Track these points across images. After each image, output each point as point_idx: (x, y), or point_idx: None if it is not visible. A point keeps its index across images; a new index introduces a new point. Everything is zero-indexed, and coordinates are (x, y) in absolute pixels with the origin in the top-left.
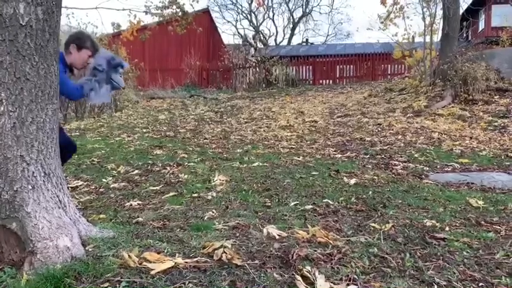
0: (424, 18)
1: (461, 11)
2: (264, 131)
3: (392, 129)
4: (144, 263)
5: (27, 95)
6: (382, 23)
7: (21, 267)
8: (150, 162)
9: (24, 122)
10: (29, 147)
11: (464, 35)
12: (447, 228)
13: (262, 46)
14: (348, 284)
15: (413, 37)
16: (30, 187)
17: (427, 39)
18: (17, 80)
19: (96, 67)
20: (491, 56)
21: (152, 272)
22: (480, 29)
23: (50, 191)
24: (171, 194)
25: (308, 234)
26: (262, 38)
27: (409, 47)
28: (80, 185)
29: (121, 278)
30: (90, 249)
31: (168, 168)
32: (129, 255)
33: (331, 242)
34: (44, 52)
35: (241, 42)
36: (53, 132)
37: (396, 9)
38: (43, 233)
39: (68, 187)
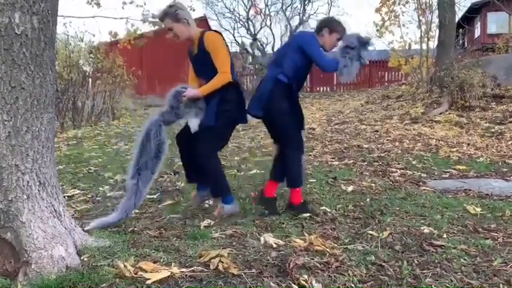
0: (420, 26)
1: (457, 19)
2: (261, 138)
3: (390, 136)
4: (140, 273)
5: (22, 104)
6: (377, 30)
7: (16, 277)
8: None
9: (19, 131)
10: (24, 156)
11: (461, 42)
12: (445, 236)
13: (259, 54)
14: None
15: (409, 44)
16: (25, 197)
17: (424, 46)
18: (12, 89)
19: (349, 45)
20: (487, 63)
21: (148, 282)
22: (476, 36)
23: (45, 201)
24: (168, 202)
25: (305, 242)
26: (259, 45)
27: (405, 54)
28: (77, 194)
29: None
30: (85, 259)
31: (165, 176)
32: (124, 265)
33: (329, 250)
34: (39, 61)
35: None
36: (48, 141)
37: (391, 17)
38: (38, 242)
39: (64, 196)
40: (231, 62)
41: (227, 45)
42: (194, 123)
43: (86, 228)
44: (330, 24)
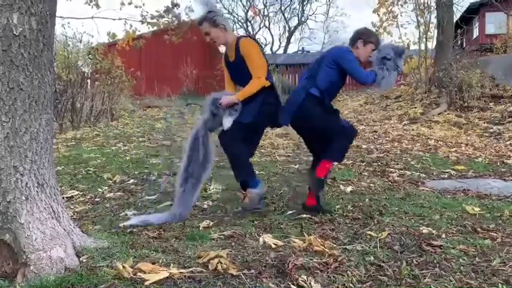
0: (418, 26)
1: (455, 19)
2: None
3: (389, 137)
4: (139, 274)
5: (20, 105)
6: (376, 31)
7: (15, 279)
8: (146, 171)
9: (18, 133)
10: (22, 157)
11: (459, 42)
12: (443, 236)
13: None
14: None
15: (408, 45)
16: (23, 198)
17: (422, 47)
18: (10, 90)
19: (386, 56)
20: (485, 63)
21: (146, 283)
22: (474, 36)
23: (43, 202)
24: (167, 203)
25: (304, 243)
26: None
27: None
28: (76, 195)
29: None
30: (84, 260)
31: (164, 177)
32: (123, 266)
33: (328, 250)
34: (38, 62)
35: None
36: (47, 142)
37: (389, 17)
38: (36, 244)
39: (63, 197)
40: (267, 66)
41: (262, 51)
42: (228, 122)
43: (125, 224)
44: (364, 36)
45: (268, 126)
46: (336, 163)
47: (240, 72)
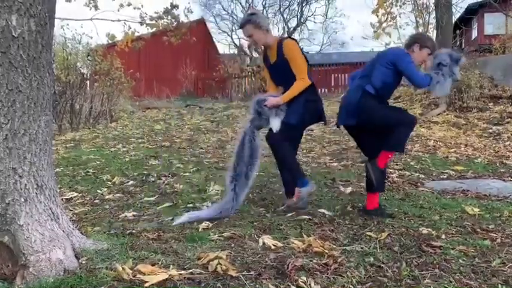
0: (417, 27)
1: (454, 20)
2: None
3: None
4: (138, 276)
5: (19, 106)
6: (375, 32)
7: (14, 281)
8: (145, 172)
9: (17, 134)
10: (21, 159)
11: (458, 43)
12: (443, 236)
13: (257, 55)
14: None
15: None
16: (22, 200)
17: None
18: (9, 91)
19: (442, 62)
20: (484, 64)
21: (146, 285)
22: (473, 37)
23: (42, 204)
24: (166, 204)
25: (304, 244)
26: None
27: None
28: (75, 197)
29: None
30: (83, 262)
31: (164, 178)
32: (122, 268)
33: (327, 251)
34: (36, 64)
35: (236, 52)
36: (46, 144)
37: (388, 18)
38: (35, 246)
39: (62, 199)
40: (307, 65)
41: (303, 52)
42: (276, 123)
43: (176, 222)
44: (420, 41)
45: (312, 123)
46: (396, 153)
47: (281, 73)
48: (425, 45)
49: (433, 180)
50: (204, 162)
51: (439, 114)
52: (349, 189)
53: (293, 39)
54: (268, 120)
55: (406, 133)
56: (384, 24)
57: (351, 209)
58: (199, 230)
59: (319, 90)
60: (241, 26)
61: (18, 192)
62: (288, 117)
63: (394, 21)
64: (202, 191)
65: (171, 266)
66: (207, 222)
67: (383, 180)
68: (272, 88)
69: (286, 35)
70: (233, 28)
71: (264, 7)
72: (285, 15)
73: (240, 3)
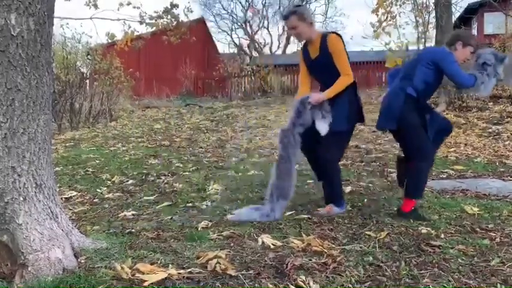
0: (417, 27)
1: (453, 19)
2: (259, 139)
3: (387, 137)
4: (137, 275)
5: (18, 105)
6: (374, 31)
7: (12, 280)
8: (144, 171)
9: (16, 133)
10: (20, 158)
11: None
12: (442, 236)
13: (257, 55)
14: None
15: (407, 45)
16: (21, 198)
17: (421, 47)
18: (8, 90)
19: (486, 62)
20: None
21: (145, 284)
22: None
23: (41, 202)
24: (166, 203)
25: (303, 243)
26: (257, 46)
27: (402, 55)
28: (74, 196)
29: None
30: (82, 261)
31: (163, 177)
32: (121, 267)
33: (326, 250)
34: (35, 63)
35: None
36: (45, 143)
37: (388, 17)
38: (34, 245)
39: (61, 198)
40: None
41: (345, 47)
42: (323, 127)
43: (230, 217)
44: (464, 38)
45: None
46: (416, 200)
47: (322, 69)
48: (469, 43)
49: (433, 179)
50: (203, 161)
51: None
52: (348, 189)
53: (337, 34)
54: (306, 120)
55: (424, 177)
56: (384, 24)
57: (350, 208)
58: (199, 229)
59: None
60: (286, 17)
61: (17, 191)
62: (337, 125)
63: (394, 20)
64: (201, 190)
65: (170, 265)
66: (207, 221)
67: (419, 214)
68: (305, 88)
69: (330, 30)
70: (233, 27)
71: (264, 6)
72: None
73: (240, 3)
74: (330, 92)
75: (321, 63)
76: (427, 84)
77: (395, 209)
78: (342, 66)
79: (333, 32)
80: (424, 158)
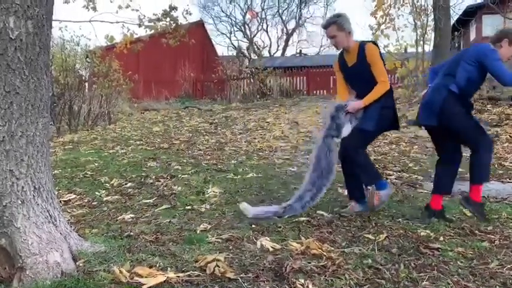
0: (415, 29)
1: (452, 22)
2: (258, 141)
3: (387, 139)
4: (136, 278)
5: (17, 108)
6: (373, 34)
7: (10, 283)
8: (143, 174)
9: (14, 136)
10: (18, 161)
11: (456, 44)
12: (441, 238)
13: (256, 57)
14: None
15: (405, 48)
16: (19, 202)
17: (419, 49)
18: (6, 93)
19: None
20: None
21: (144, 287)
22: (471, 38)
23: (40, 206)
24: (164, 206)
25: (302, 246)
26: (256, 49)
27: (401, 57)
28: (73, 199)
29: None
30: (81, 264)
31: (162, 180)
32: (120, 270)
33: (325, 253)
34: (34, 66)
35: (235, 54)
36: (43, 146)
37: (386, 20)
38: (33, 248)
39: (60, 201)
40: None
41: (381, 54)
42: (347, 129)
43: (250, 215)
44: (510, 35)
45: (386, 130)
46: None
47: (358, 76)
48: None
49: (432, 182)
50: (202, 164)
51: None
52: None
53: (375, 43)
54: (340, 127)
55: (488, 160)
56: (383, 26)
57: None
58: (198, 232)
59: (318, 91)
60: (326, 27)
61: (15, 194)
62: (364, 123)
63: (393, 23)
64: (200, 193)
65: (169, 268)
66: (205, 224)
67: (483, 211)
68: (343, 94)
69: (368, 40)
70: (232, 30)
71: (263, 9)
72: (283, 17)
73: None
74: (367, 100)
75: (357, 71)
76: (470, 81)
77: (424, 205)
78: (379, 74)
79: (370, 41)
80: (485, 145)
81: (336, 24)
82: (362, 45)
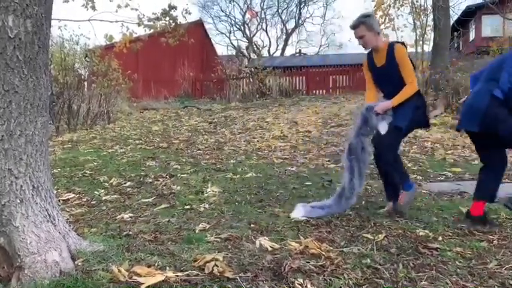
0: (415, 29)
1: (451, 22)
2: (257, 141)
3: None
4: (134, 277)
5: (15, 107)
6: None
7: (9, 282)
8: (142, 174)
9: (13, 135)
10: (17, 160)
11: (456, 45)
12: (440, 238)
13: (255, 57)
14: None
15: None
16: (18, 201)
17: (419, 49)
18: (5, 92)
19: None
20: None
21: (142, 286)
22: (471, 39)
23: (38, 205)
24: (163, 206)
25: (301, 245)
26: (255, 49)
27: None
28: (72, 198)
29: None
30: (79, 264)
31: (161, 179)
32: (119, 269)
33: (324, 253)
34: (33, 65)
35: (234, 53)
36: (42, 145)
37: (386, 20)
38: (31, 247)
39: (59, 200)
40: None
41: (410, 56)
42: (383, 126)
43: (293, 216)
44: None
45: (416, 128)
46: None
47: (387, 77)
48: None
49: (431, 181)
50: (201, 163)
51: (436, 116)
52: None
53: (403, 44)
54: (373, 128)
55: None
56: (382, 26)
57: (348, 210)
58: (196, 231)
59: (317, 91)
60: (354, 27)
61: (14, 193)
62: (397, 121)
63: (392, 23)
64: (199, 193)
65: (168, 267)
66: (204, 224)
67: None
68: (372, 94)
69: (397, 40)
70: (231, 30)
71: (262, 9)
72: (283, 17)
73: (238, 5)
74: (396, 101)
75: (386, 71)
76: None
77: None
78: (407, 75)
79: (399, 42)
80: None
81: (365, 25)
82: (391, 45)
